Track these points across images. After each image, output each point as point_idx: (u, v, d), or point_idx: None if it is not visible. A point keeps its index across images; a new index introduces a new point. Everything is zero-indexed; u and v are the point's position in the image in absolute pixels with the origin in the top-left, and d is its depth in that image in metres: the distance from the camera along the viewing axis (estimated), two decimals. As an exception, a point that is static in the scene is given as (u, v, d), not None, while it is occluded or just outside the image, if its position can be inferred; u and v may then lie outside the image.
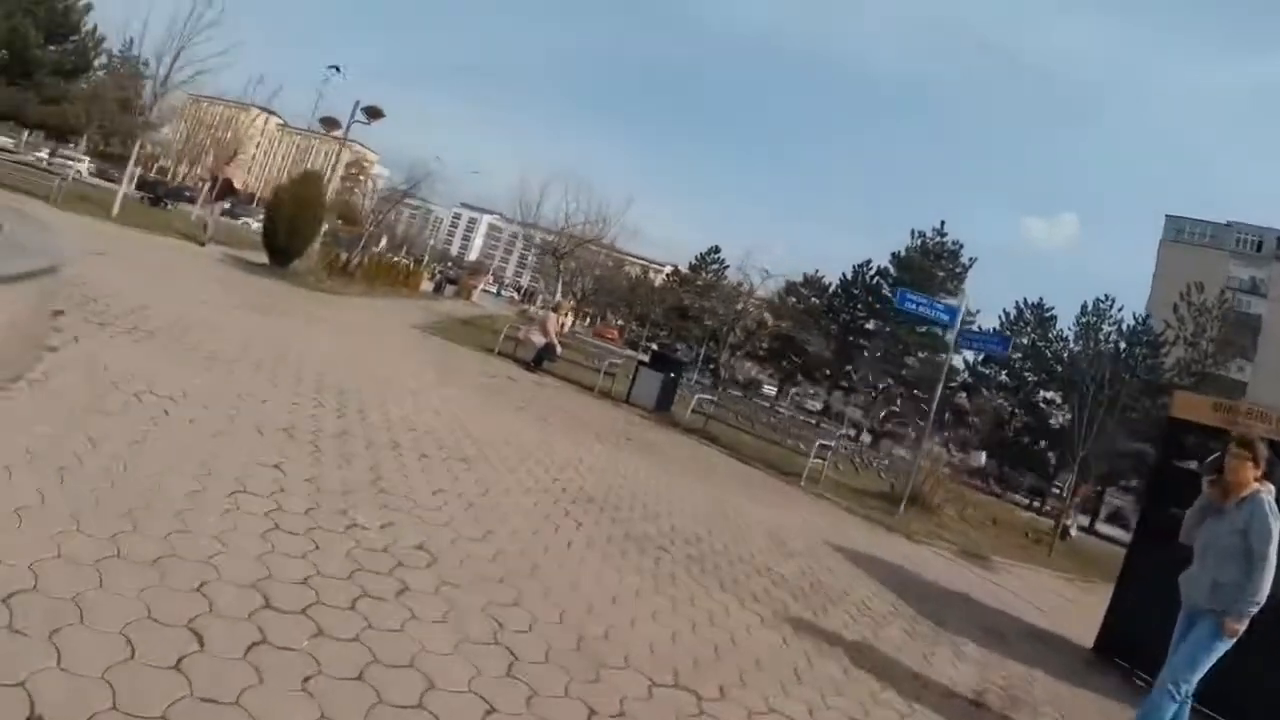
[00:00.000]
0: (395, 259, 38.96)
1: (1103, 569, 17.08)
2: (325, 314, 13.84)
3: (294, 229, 19.40)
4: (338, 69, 35.13)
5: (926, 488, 13.81)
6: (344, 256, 23.27)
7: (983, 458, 58.89)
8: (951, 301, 13.47)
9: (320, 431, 5.69)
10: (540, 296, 62.37)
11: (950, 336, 13.53)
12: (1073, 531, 25.59)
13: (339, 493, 4.50)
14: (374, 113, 24.42)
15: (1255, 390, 43.61)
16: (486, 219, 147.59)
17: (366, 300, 20.46)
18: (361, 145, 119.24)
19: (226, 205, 39.48)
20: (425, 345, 14.54)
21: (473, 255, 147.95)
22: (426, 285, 40.04)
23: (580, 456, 8.23)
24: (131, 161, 24.87)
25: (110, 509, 3.35)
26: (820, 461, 13.19)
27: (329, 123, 26.42)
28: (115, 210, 20.63)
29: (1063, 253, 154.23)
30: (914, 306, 14.28)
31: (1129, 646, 7.09)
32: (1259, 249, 71.60)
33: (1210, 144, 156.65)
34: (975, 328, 50.61)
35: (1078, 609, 10.23)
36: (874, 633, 5.63)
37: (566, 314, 18.94)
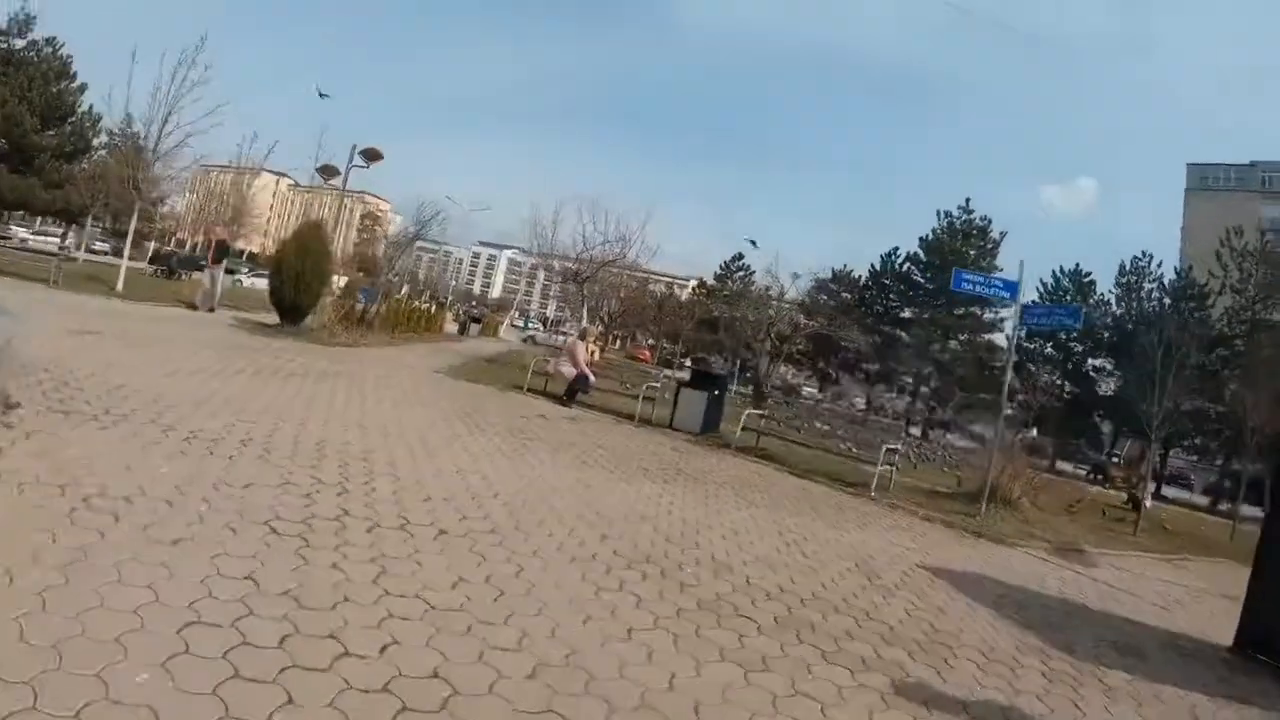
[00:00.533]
0: (417, 304, 38.40)
1: (1190, 541, 16.00)
2: (338, 369, 12.96)
3: (302, 284, 18.65)
4: (324, 95, 34.62)
5: (1004, 480, 12.66)
6: (360, 307, 22.50)
7: (1034, 434, 57.28)
8: (1009, 277, 12.20)
9: (313, 518, 4.73)
10: (568, 324, 61.52)
11: (1012, 313, 12.30)
12: (1147, 503, 24.30)
13: (326, 608, 3.52)
14: (372, 155, 23.70)
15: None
16: (505, 254, 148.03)
17: (386, 350, 19.61)
18: (374, 196, 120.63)
19: (245, 268, 39.27)
20: (447, 391, 13.59)
21: (496, 292, 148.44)
22: (451, 327, 39.64)
23: (629, 503, 7.20)
24: (130, 236, 24.40)
25: (10, 671, 2.44)
26: (889, 468, 12.07)
27: (327, 170, 25.73)
28: (120, 286, 20.04)
29: (1084, 219, 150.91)
30: (971, 286, 13.15)
31: (1273, 642, 6.33)
32: None
33: (1219, 87, 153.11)
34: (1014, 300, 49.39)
35: (1193, 596, 9.29)
36: (1011, 683, 4.58)
37: (595, 340, 17.79)
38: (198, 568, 3.63)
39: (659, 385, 15.47)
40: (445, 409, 11.08)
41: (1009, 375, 12.36)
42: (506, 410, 12.40)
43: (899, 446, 12.62)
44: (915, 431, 45.18)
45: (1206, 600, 9.24)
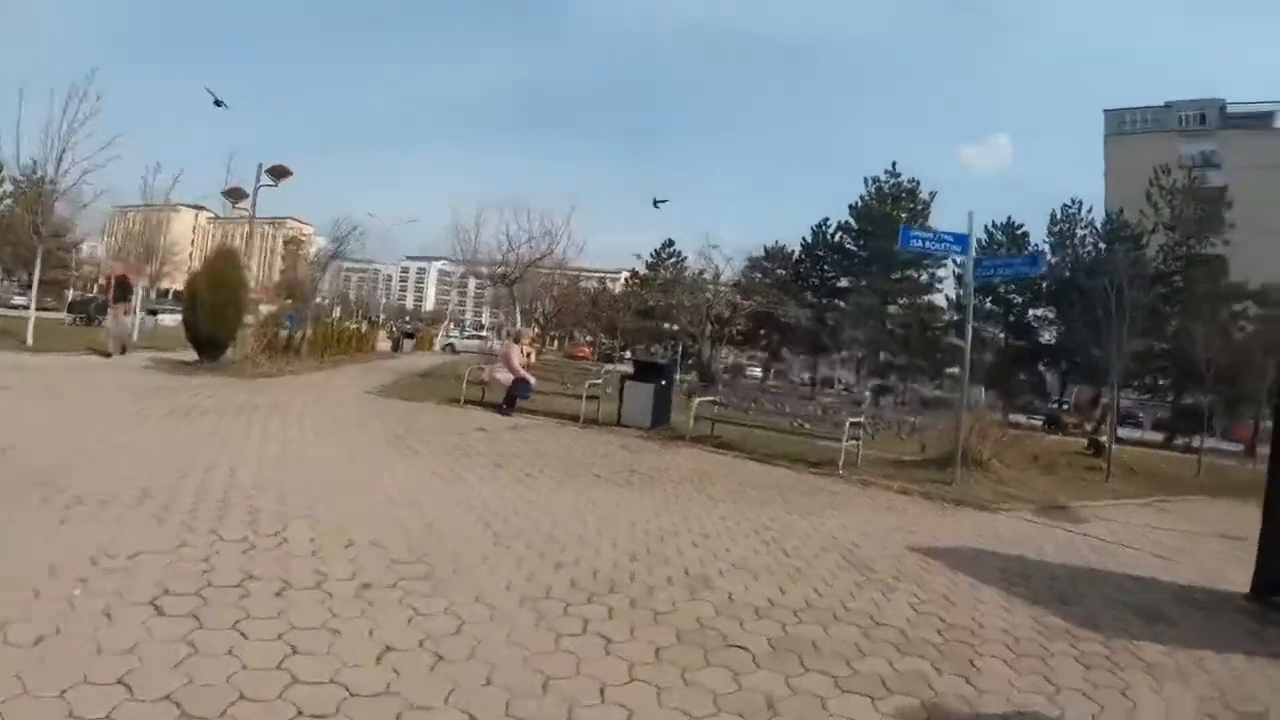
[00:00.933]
0: (349, 325, 37.20)
1: (1160, 482, 15.79)
2: (259, 402, 12.01)
3: (217, 316, 17.55)
4: (220, 102, 32.66)
5: (973, 441, 12.24)
6: (284, 334, 21.39)
7: (982, 392, 57.80)
8: (958, 231, 11.71)
9: (210, 588, 3.94)
10: (489, 329, 60.37)
11: (964, 268, 11.85)
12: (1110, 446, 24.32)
13: (215, 715, 2.74)
14: (280, 172, 22.47)
15: (1236, 262, 42.79)
16: (435, 266, 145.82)
17: (314, 375, 18.62)
18: (297, 220, 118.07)
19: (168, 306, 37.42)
20: (379, 412, 12.71)
21: (429, 305, 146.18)
22: (384, 345, 38.81)
23: (584, 519, 6.47)
24: (35, 283, 22.77)
25: None
26: (854, 443, 11.54)
27: (235, 194, 24.39)
28: (29, 338, 18.69)
29: (1010, 174, 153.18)
30: (920, 243, 12.67)
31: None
32: (1203, 122, 72.18)
33: (1128, 31, 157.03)
34: (949, 260, 49.78)
35: (1187, 541, 8.99)
36: (1048, 678, 4.04)
37: (531, 342, 16.97)
38: (60, 675, 2.84)
39: (601, 381, 14.74)
40: (375, 432, 10.25)
41: (968, 333, 11.84)
42: (442, 427, 11.60)
43: (863, 420, 12.07)
44: (866, 399, 45.16)
45: (1201, 544, 8.92)
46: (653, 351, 69.65)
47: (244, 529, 5.01)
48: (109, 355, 18.13)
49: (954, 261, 48.92)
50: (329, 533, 5.13)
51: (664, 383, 13.70)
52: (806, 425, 13.47)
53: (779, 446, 12.25)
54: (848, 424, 11.30)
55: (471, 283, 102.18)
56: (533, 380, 14.88)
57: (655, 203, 40.93)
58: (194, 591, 3.86)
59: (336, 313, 79.24)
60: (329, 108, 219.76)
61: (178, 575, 4.05)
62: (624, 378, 13.94)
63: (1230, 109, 71.65)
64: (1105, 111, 78.98)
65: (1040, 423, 37.30)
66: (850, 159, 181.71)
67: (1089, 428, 35.08)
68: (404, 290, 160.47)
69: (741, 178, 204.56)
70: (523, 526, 5.92)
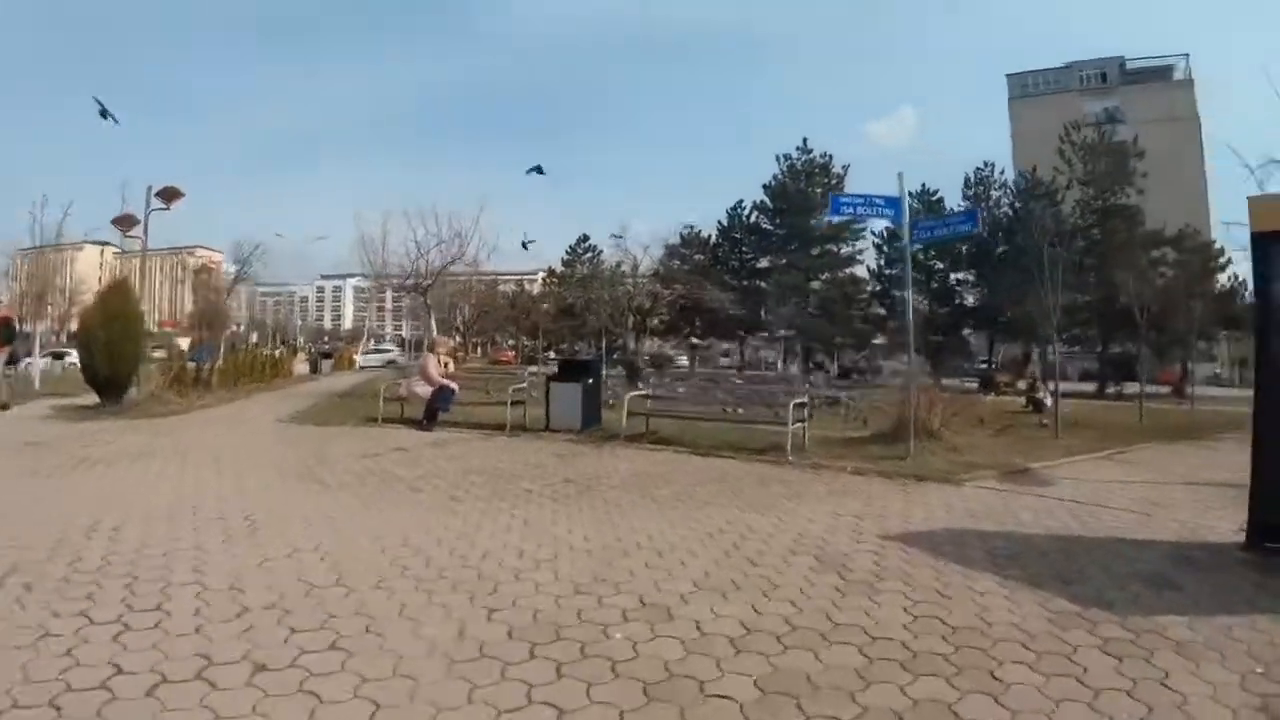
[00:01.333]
0: (265, 351, 35.69)
1: (1108, 433, 15.54)
2: (160, 445, 10.91)
3: (114, 354, 16.15)
4: (106, 112, 30.52)
5: (922, 411, 11.80)
6: (193, 366, 20.19)
7: (910, 359, 58.01)
8: (888, 193, 11.24)
9: (67, 693, 3.10)
10: (425, 340, 58.45)
11: (904, 230, 11.38)
12: (1047, 401, 24.31)
13: None
14: (170, 194, 20.98)
15: (1150, 209, 43.93)
16: (350, 283, 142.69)
17: (225, 408, 17.45)
18: (207, 248, 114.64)
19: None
20: (291, 441, 11.75)
21: (347, 323, 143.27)
22: (302, 367, 37.76)
23: (516, 545, 5.70)
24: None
25: None
26: (800, 425, 10.98)
27: (125, 221, 22.78)
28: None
29: (916, 145, 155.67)
30: (850, 209, 12.13)
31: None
32: (1104, 80, 75.31)
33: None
34: (868, 230, 50.19)
35: (1159, 492, 8.52)
36: (1079, 679, 3.46)
37: (449, 351, 16.01)
38: None
39: (526, 385, 13.95)
40: (283, 465, 9.32)
41: (909, 299, 11.43)
42: (359, 451, 10.70)
43: (805, 399, 11.51)
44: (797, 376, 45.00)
45: (1172, 494, 8.51)
46: (576, 349, 68.97)
47: (118, 605, 4.13)
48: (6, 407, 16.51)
49: (873, 232, 49.53)
50: (218, 599, 4.29)
51: (591, 381, 12.96)
52: (740, 410, 12.93)
53: (720, 436, 11.67)
54: (791, 406, 10.70)
55: (389, 296, 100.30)
56: (455, 387, 14.06)
57: (533, 169, 39.61)
58: (46, 703, 3.01)
59: (253, 339, 76.85)
60: (229, 129, 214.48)
61: (30, 680, 3.20)
62: (549, 379, 13.17)
63: (1130, 65, 76.08)
64: (1008, 76, 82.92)
65: (975, 385, 37.48)
66: (759, 143, 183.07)
67: (1022, 385, 35.32)
68: (321, 310, 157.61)
69: (654, 172, 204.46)
70: (447, 564, 5.14)
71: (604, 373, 33.02)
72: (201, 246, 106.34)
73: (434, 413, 13.45)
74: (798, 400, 11.15)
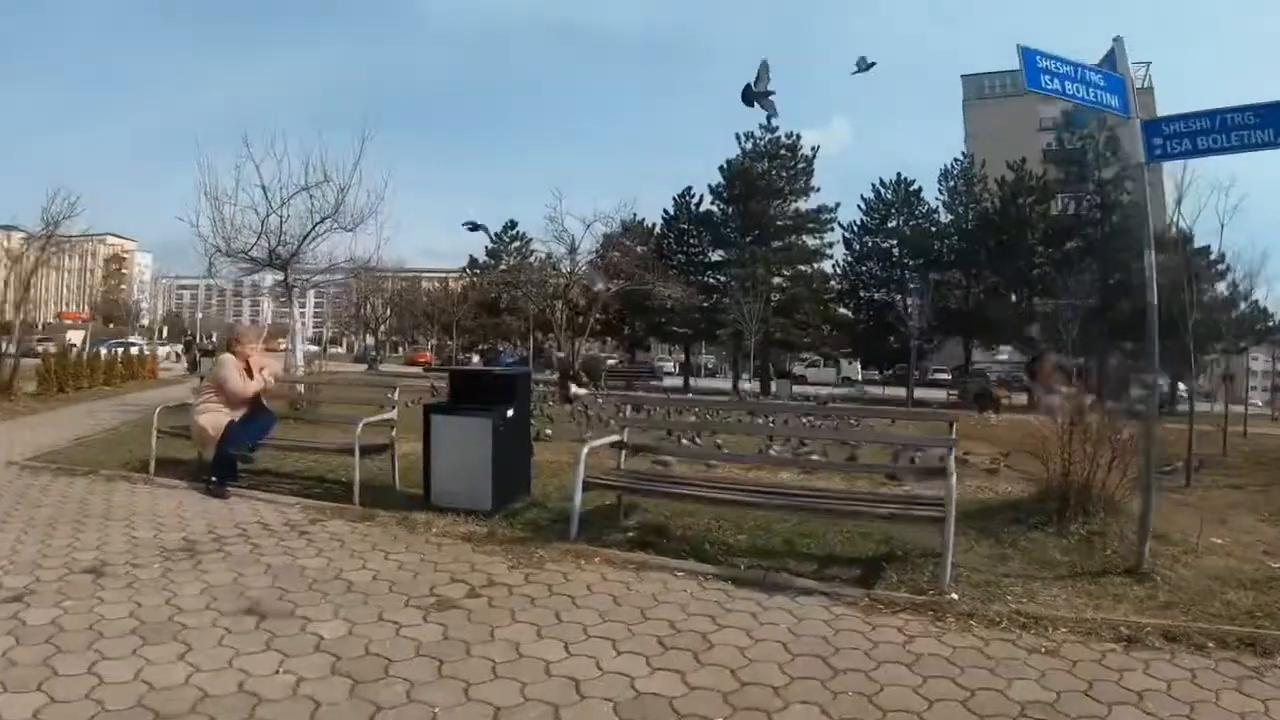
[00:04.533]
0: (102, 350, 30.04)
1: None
2: None
3: None
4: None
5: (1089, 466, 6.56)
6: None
7: (858, 370, 53.53)
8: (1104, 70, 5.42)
9: None
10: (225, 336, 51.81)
11: (1131, 136, 5.66)
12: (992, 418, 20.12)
13: None
14: None
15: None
16: (268, 276, 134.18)
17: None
18: (118, 236, 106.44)
19: None
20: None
21: (269, 318, 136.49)
22: (180, 367, 35.26)
23: None
24: None
25: None
26: (935, 509, 5.31)
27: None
28: None
29: (845, 157, 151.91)
30: (1055, 82, 6.09)
31: None
32: None
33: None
34: (836, 221, 45.08)
35: None
36: None
37: (256, 347, 9.60)
38: None
39: (393, 414, 7.88)
40: None
41: (1151, 270, 5.76)
42: (74, 544, 5.66)
43: (946, 448, 5.79)
44: (747, 386, 39.70)
45: None
46: (501, 350, 62.74)
47: None
48: None
49: (841, 224, 44.34)
50: None
51: (513, 414, 6.95)
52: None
53: (761, 525, 6.32)
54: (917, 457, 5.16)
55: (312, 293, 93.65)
56: (272, 413, 8.23)
57: (472, 226, 33.95)
58: None
59: (135, 336, 69.58)
60: (149, 119, 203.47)
61: None
62: (428, 409, 6.95)
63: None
64: (963, 77, 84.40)
65: (953, 397, 32.59)
66: (695, 151, 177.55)
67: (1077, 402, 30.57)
68: (239, 305, 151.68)
69: (589, 169, 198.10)
70: None
71: (538, 387, 27.26)
72: (113, 234, 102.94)
73: (228, 463, 7.58)
74: (934, 447, 5.57)
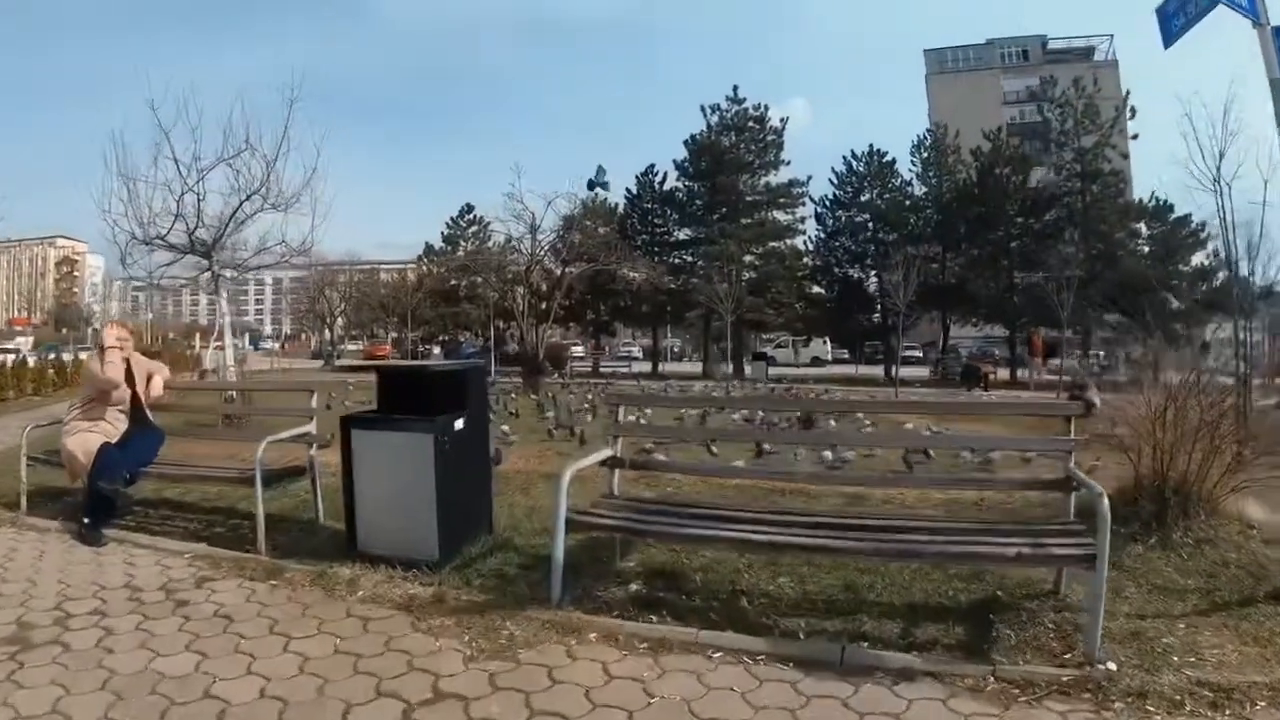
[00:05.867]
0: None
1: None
2: None
3: None
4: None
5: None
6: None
7: (828, 349, 52.09)
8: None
9: None
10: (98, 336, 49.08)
11: (1262, 23, 4.21)
12: (1097, 403, 18.39)
13: None
14: None
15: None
16: (226, 273, 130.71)
17: None
18: (68, 238, 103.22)
19: None
20: None
21: (227, 316, 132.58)
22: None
23: None
24: None
25: None
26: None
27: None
28: None
29: (804, 137, 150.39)
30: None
31: None
32: (1025, 58, 74.24)
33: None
34: (807, 195, 43.41)
35: None
36: None
37: (120, 342, 7.57)
38: None
39: (310, 427, 6.06)
40: None
41: None
42: None
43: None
44: (737, 374, 38.06)
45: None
46: (462, 340, 60.57)
47: None
48: None
49: (813, 199, 42.82)
50: None
51: (463, 424, 5.19)
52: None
53: (816, 570, 4.76)
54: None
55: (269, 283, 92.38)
56: (159, 432, 6.54)
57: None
58: None
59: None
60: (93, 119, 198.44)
61: None
62: (346, 422, 5.07)
63: (1051, 44, 75.58)
64: (925, 51, 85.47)
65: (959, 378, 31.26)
66: (652, 135, 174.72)
67: (1035, 376, 29.69)
68: (196, 304, 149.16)
69: (553, 156, 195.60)
70: None
71: (495, 381, 25.39)
72: (63, 236, 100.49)
73: (104, 500, 5.84)
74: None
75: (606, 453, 4.86)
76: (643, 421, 10.53)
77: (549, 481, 7.45)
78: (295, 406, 6.52)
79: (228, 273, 16.37)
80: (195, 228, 14.78)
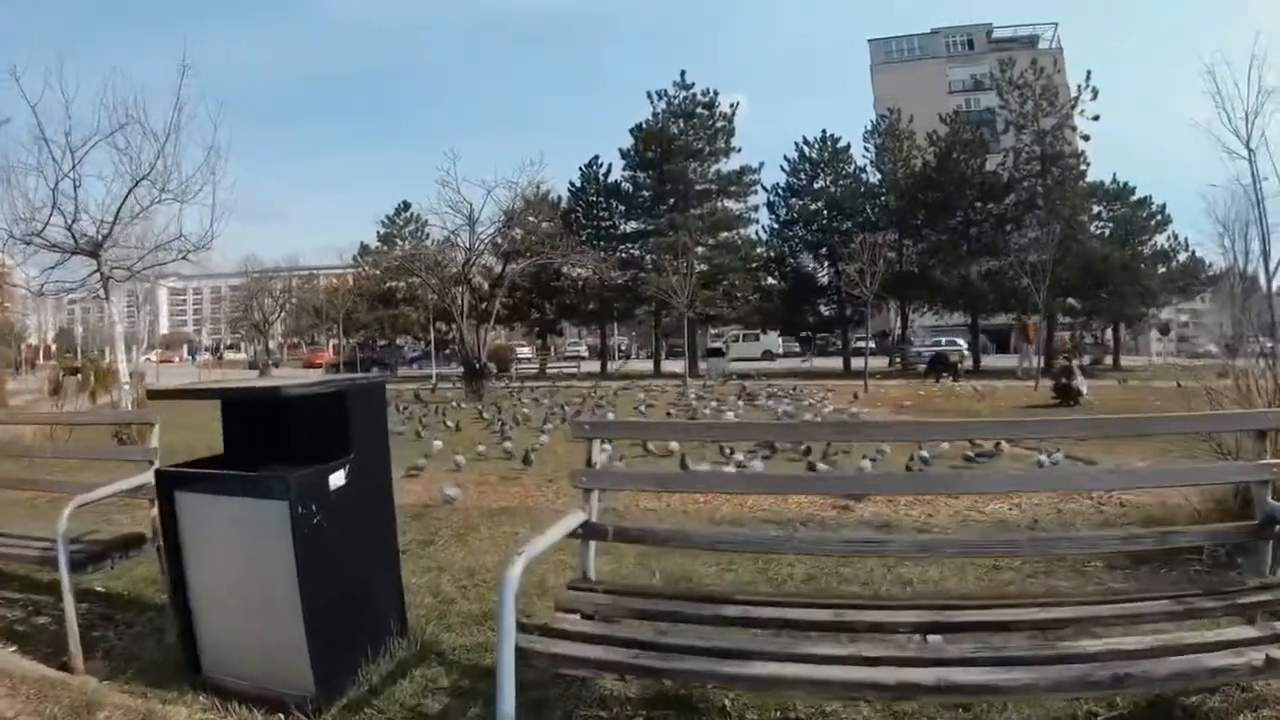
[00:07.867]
0: None
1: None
2: None
3: None
4: None
5: None
6: None
7: (778, 342, 50.93)
8: None
9: None
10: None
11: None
12: (1083, 387, 17.31)
13: None
14: None
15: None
16: (162, 283, 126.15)
17: None
18: None
19: None
20: None
21: (165, 328, 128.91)
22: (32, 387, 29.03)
23: None
24: None
25: None
26: None
27: None
28: None
29: (746, 132, 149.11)
30: None
31: None
32: (971, 47, 74.11)
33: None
34: (759, 183, 41.99)
35: None
36: None
37: None
38: None
39: (107, 491, 4.20)
40: None
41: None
42: None
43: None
44: (704, 366, 36.59)
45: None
46: (401, 345, 58.42)
47: None
48: None
49: (764, 187, 41.53)
50: None
51: (346, 476, 3.23)
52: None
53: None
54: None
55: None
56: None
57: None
58: None
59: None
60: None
61: None
62: (165, 481, 3.17)
63: (996, 33, 75.17)
64: (869, 41, 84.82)
65: (926, 369, 29.98)
66: (597, 131, 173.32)
67: (1026, 364, 28.50)
68: (133, 317, 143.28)
69: (500, 157, 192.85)
70: None
71: (433, 384, 23.53)
72: None
73: None
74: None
75: (578, 517, 3.05)
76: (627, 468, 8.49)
77: (495, 522, 5.76)
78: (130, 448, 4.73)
79: (119, 274, 14.27)
80: (74, 220, 12.75)
